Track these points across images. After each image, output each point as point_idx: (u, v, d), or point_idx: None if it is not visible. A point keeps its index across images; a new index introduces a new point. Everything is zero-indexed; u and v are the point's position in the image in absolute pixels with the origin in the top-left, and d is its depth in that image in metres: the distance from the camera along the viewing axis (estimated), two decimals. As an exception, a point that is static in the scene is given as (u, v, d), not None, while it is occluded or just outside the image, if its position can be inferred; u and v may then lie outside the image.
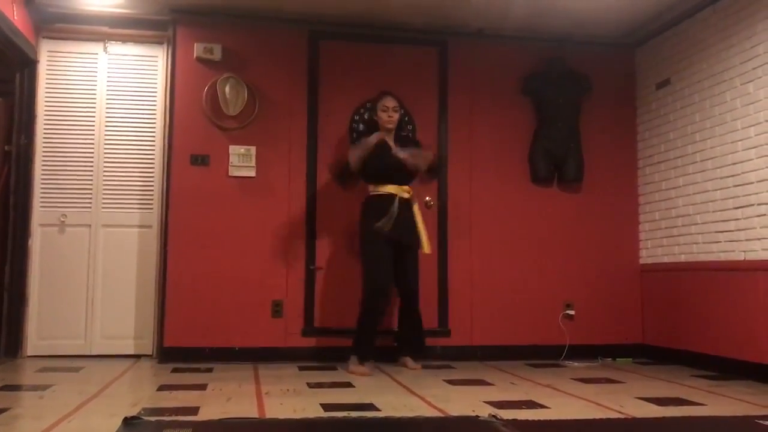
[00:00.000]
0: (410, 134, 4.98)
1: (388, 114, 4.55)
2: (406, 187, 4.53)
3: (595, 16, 4.94)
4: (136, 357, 4.93)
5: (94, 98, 5.08)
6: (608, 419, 3.00)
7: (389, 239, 4.41)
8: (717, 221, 4.53)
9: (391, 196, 4.45)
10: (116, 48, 5.14)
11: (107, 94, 5.09)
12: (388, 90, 4.66)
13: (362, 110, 5.09)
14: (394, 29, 5.17)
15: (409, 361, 4.57)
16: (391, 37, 5.21)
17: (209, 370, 4.37)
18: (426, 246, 4.56)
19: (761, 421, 2.91)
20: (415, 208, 4.56)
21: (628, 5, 4.76)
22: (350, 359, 4.37)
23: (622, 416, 3.08)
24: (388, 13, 4.94)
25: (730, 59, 4.46)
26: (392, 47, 5.21)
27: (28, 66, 4.93)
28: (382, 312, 4.55)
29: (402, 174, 4.52)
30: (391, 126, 4.57)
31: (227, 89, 4.88)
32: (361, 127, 5.03)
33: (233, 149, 4.92)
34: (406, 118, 4.98)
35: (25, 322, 4.85)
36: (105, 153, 5.05)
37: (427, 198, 5.05)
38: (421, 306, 4.64)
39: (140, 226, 5.06)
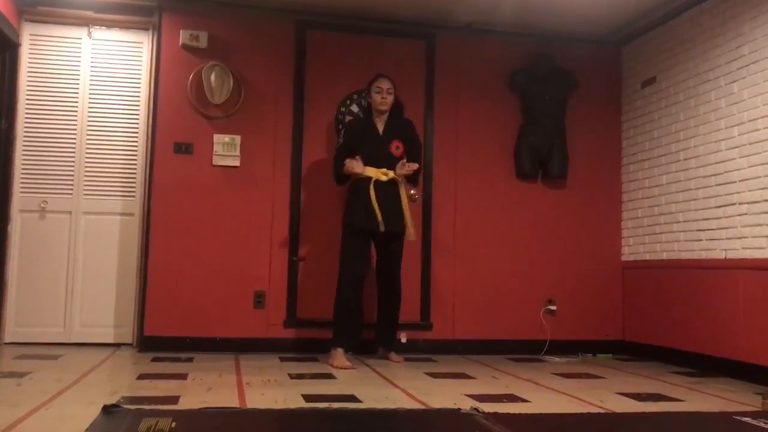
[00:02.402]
0: (409, 125, 4.67)
1: (382, 95, 4.46)
2: (383, 169, 4.40)
3: (582, 13, 4.95)
4: (116, 346, 4.88)
5: (77, 83, 5.01)
6: (588, 414, 3.02)
7: (375, 232, 4.38)
8: (699, 220, 4.57)
9: (369, 180, 4.37)
10: (101, 33, 5.07)
11: (91, 80, 5.03)
12: (383, 72, 4.58)
13: (348, 101, 5.07)
14: (382, 21, 5.15)
15: (393, 354, 4.57)
16: (379, 29, 5.18)
17: (190, 360, 4.34)
18: (411, 233, 4.48)
19: (739, 417, 2.94)
20: (401, 192, 4.46)
21: (616, 3, 4.78)
22: (331, 353, 4.32)
23: (602, 411, 3.10)
24: (377, 4, 4.92)
25: (716, 59, 4.49)
26: (380, 39, 5.19)
27: (10, 49, 4.86)
28: (359, 301, 4.47)
29: (385, 160, 4.43)
30: (384, 108, 4.48)
31: (213, 77, 4.84)
32: (347, 118, 5.02)
33: (218, 138, 4.89)
34: (402, 107, 4.72)
35: (3, 308, 4.79)
36: (87, 139, 4.99)
37: (412, 191, 5.00)
38: (403, 299, 4.61)
39: (122, 214, 5.01)
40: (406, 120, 4.70)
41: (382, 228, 4.34)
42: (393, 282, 4.54)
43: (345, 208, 4.51)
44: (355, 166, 4.37)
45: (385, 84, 4.49)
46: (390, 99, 4.50)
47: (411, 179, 4.57)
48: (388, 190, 4.42)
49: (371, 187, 4.36)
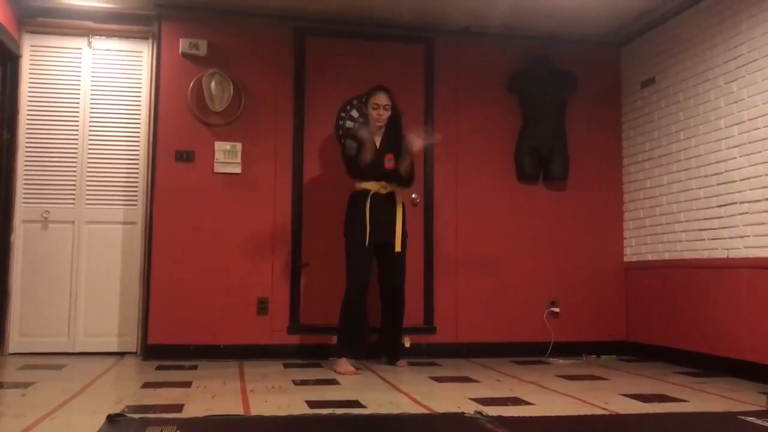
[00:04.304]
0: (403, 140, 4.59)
1: (378, 112, 4.44)
2: (382, 183, 4.41)
3: (580, 14, 4.96)
4: (120, 354, 4.89)
5: (78, 93, 5.03)
6: (593, 416, 3.02)
7: (371, 243, 4.37)
8: (700, 219, 4.57)
9: (368, 192, 4.37)
10: (101, 43, 5.09)
11: (91, 90, 5.04)
12: (383, 85, 4.52)
13: (349, 107, 5.08)
14: (380, 26, 5.16)
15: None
16: (378, 34, 5.20)
17: (194, 368, 4.35)
18: (398, 245, 4.44)
19: (744, 417, 2.94)
20: (398, 205, 4.47)
21: (613, 4, 4.78)
22: (335, 360, 4.33)
23: (606, 413, 3.10)
24: (375, 9, 4.93)
25: (714, 58, 4.49)
26: (379, 44, 5.21)
27: (11, 60, 4.88)
28: (363, 308, 4.47)
29: (383, 172, 4.42)
30: (380, 124, 4.46)
31: (213, 85, 4.85)
32: (348, 123, 5.03)
33: (219, 145, 4.90)
34: (400, 117, 4.63)
35: (7, 319, 4.80)
36: (89, 149, 5.00)
37: (414, 195, 5.04)
38: (406, 303, 4.59)
39: (124, 223, 5.02)
40: (401, 135, 4.59)
41: (368, 243, 4.34)
42: (396, 295, 4.52)
43: (345, 219, 4.51)
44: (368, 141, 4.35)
45: (382, 100, 4.44)
46: (386, 115, 4.46)
47: (404, 181, 4.51)
48: (385, 203, 4.42)
49: (368, 200, 4.37)
